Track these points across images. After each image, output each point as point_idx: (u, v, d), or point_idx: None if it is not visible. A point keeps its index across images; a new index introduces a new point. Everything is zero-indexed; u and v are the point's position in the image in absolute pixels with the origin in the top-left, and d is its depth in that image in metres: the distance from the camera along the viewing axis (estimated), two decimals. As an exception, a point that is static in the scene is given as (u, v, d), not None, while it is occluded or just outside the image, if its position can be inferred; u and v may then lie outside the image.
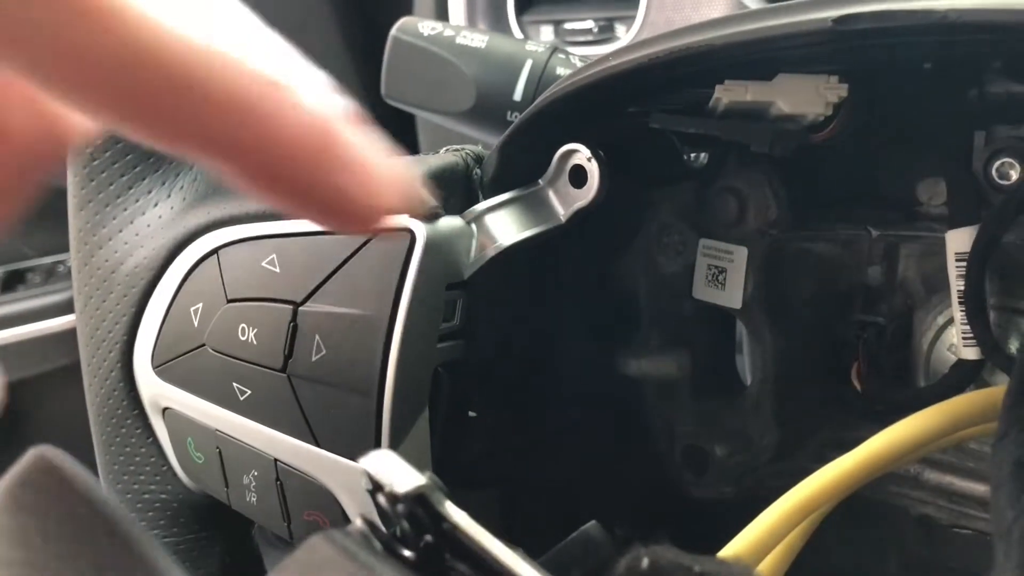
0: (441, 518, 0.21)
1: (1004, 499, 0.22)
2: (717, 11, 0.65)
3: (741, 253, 0.37)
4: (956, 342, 0.34)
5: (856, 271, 0.37)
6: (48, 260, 1.14)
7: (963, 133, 0.33)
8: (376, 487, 0.23)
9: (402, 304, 0.32)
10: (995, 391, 0.29)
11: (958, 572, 0.37)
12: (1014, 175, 0.32)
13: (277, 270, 0.35)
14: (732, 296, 0.37)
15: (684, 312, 0.38)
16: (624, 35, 0.71)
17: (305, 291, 0.33)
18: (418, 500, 0.22)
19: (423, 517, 0.21)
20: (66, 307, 1.08)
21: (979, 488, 0.35)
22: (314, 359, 0.33)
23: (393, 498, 0.22)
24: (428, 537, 0.21)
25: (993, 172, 0.33)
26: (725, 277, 0.37)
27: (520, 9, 0.75)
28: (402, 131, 0.69)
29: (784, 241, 0.36)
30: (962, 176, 0.33)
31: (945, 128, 0.33)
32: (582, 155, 0.34)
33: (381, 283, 0.32)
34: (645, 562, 0.22)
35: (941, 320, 0.36)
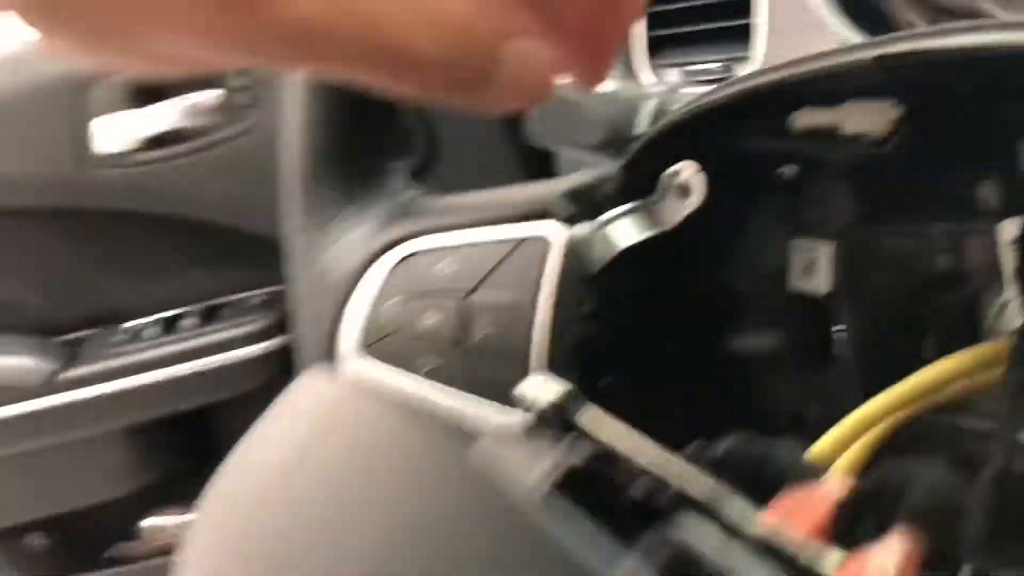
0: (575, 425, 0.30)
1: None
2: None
3: (827, 248, 0.44)
4: (1013, 318, 0.40)
5: (926, 262, 0.43)
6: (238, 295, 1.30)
7: (1009, 139, 0.40)
8: (527, 405, 0.32)
9: (543, 291, 0.41)
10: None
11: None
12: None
13: (451, 271, 0.45)
14: (820, 285, 0.44)
15: (781, 300, 0.46)
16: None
17: (471, 285, 0.43)
18: (558, 409, 0.31)
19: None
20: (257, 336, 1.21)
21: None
22: (478, 338, 0.43)
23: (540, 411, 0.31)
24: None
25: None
26: (814, 269, 0.45)
27: (651, 53, 0.84)
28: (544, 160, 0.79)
29: (863, 237, 0.44)
30: (1009, 175, 0.40)
31: (993, 136, 0.40)
32: (688, 171, 0.42)
33: (527, 277, 0.42)
34: (720, 447, 0.30)
35: (1000, 302, 0.42)
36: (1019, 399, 0.29)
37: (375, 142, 0.50)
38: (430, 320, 0.45)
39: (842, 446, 0.34)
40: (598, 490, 0.27)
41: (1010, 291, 0.40)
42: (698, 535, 0.21)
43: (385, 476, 0.20)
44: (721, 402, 0.47)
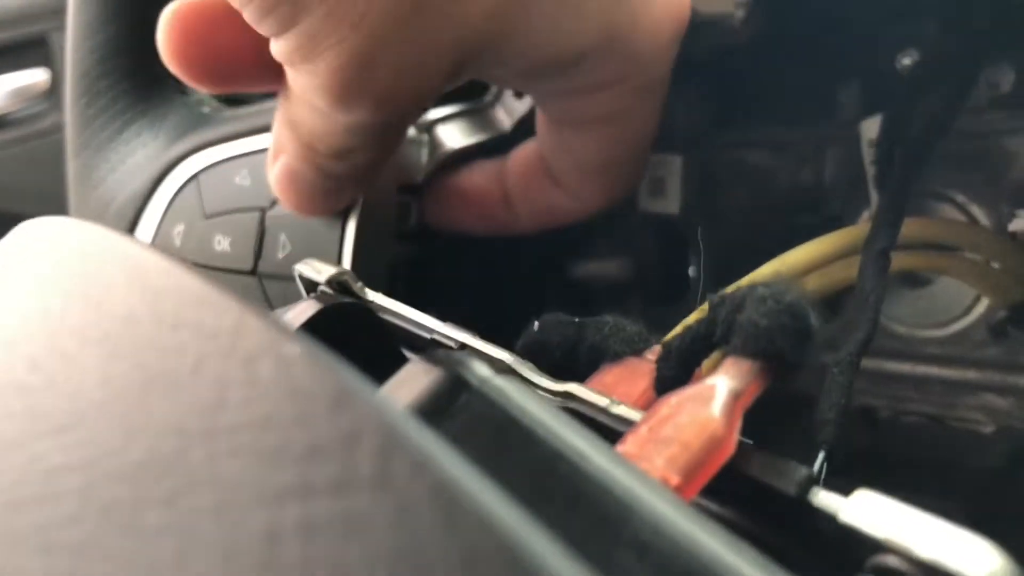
0: (359, 297, 0.24)
1: (867, 280, 0.25)
2: None
3: (676, 162, 0.39)
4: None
5: (785, 176, 0.39)
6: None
7: (870, 33, 0.36)
8: (308, 285, 0.25)
9: (355, 201, 0.35)
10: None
11: (902, 460, 0.38)
12: (908, 62, 0.35)
13: (248, 183, 0.38)
14: (670, 204, 0.40)
15: (631, 223, 0.41)
16: None
17: (272, 198, 0.37)
18: (340, 285, 0.24)
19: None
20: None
21: (909, 368, 0.37)
22: (280, 257, 0.36)
23: (321, 291, 0.25)
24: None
25: (896, 63, 0.36)
26: (664, 187, 0.40)
27: None
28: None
29: (714, 148, 0.39)
30: (871, 71, 0.36)
31: (855, 27, 0.36)
32: (520, 66, 0.37)
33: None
34: (535, 324, 0.24)
35: (865, 215, 0.38)
36: (881, 265, 0.25)
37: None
38: (224, 243, 0.38)
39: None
40: (360, 339, 0.21)
41: (874, 199, 0.36)
42: (464, 363, 0.15)
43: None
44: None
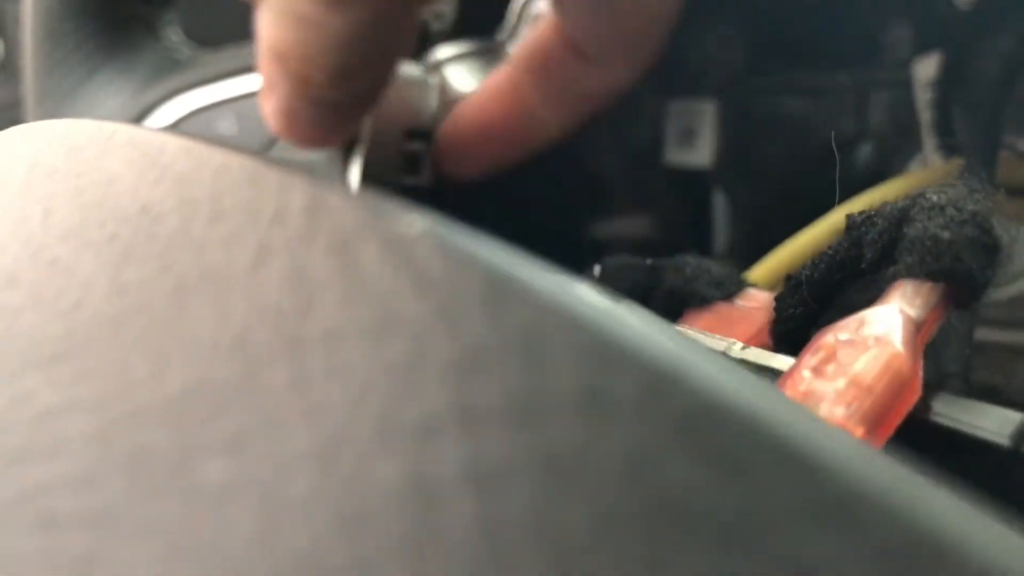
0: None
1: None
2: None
3: (708, 109, 0.36)
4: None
5: (827, 123, 0.36)
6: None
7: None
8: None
9: (356, 148, 0.31)
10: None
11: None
12: (972, -3, 0.32)
13: (235, 131, 0.34)
14: (702, 155, 0.36)
15: (655, 178, 0.38)
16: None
17: (266, 142, 0.33)
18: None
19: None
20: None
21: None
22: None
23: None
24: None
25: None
26: (694, 137, 0.36)
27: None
28: None
29: (751, 93, 0.36)
30: (924, 5, 0.33)
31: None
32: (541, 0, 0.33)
33: (339, 126, 0.31)
34: (596, 270, 0.21)
35: (913, 166, 0.35)
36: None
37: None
38: (208, 197, 0.34)
39: (772, 283, 0.25)
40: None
41: (928, 147, 0.33)
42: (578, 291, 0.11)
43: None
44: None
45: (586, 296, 0.07)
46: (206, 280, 0.09)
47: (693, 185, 0.37)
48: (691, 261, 0.20)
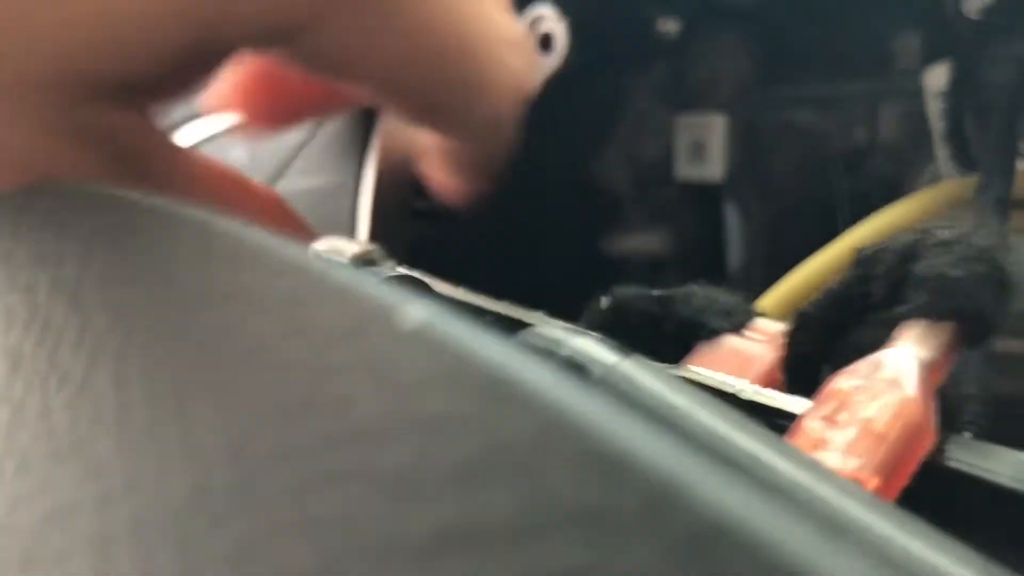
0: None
1: (991, 224, 0.21)
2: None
3: (719, 123, 0.36)
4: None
5: (838, 135, 0.36)
6: None
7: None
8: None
9: (365, 175, 0.31)
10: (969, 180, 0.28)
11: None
12: (982, 4, 0.32)
13: (246, 159, 0.34)
14: (713, 169, 0.36)
15: (668, 194, 0.37)
16: None
17: (274, 171, 0.33)
18: (367, 264, 0.21)
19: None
20: None
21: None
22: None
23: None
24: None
25: (961, 4, 0.32)
26: (705, 150, 0.36)
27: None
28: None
29: (761, 107, 0.36)
30: (933, 14, 0.32)
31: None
32: (550, 18, 0.33)
33: (347, 152, 0.32)
34: (604, 301, 0.20)
35: (928, 176, 0.35)
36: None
37: None
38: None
39: (783, 311, 0.25)
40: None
41: (941, 154, 0.32)
42: (579, 346, 0.11)
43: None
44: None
45: (589, 402, 0.06)
46: (202, 379, 0.09)
47: (705, 199, 0.37)
48: (699, 291, 0.19)
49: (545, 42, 0.34)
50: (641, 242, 0.38)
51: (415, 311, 0.08)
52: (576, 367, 0.12)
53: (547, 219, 0.37)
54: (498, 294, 0.36)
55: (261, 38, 0.19)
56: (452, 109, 0.24)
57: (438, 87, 0.23)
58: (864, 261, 0.15)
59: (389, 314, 0.08)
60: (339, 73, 0.21)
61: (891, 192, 0.36)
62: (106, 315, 0.10)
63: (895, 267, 0.14)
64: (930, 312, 0.13)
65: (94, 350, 0.10)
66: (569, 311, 0.32)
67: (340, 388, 0.08)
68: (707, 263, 0.38)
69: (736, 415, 0.12)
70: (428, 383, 0.07)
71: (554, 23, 0.33)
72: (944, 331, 0.13)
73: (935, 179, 0.34)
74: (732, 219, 0.37)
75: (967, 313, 0.13)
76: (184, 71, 0.19)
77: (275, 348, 0.08)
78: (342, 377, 0.08)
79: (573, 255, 0.37)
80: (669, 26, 0.36)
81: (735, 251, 0.38)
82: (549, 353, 0.12)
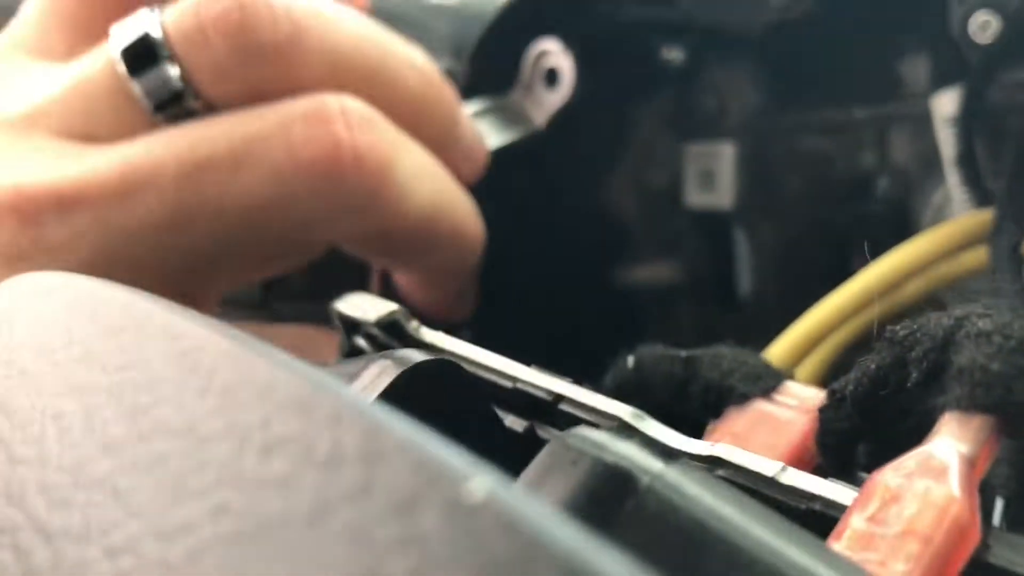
0: (416, 340, 0.20)
1: (1005, 278, 0.21)
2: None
3: (727, 151, 0.36)
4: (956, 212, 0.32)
5: (847, 160, 0.36)
6: None
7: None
8: (349, 326, 0.21)
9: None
10: (983, 213, 0.28)
11: None
12: (991, 30, 0.31)
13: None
14: (723, 196, 0.36)
15: (676, 223, 0.37)
16: None
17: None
18: (391, 326, 0.20)
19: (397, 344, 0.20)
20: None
21: None
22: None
23: (367, 332, 0.21)
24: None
25: (970, 30, 0.32)
26: (714, 179, 0.36)
27: None
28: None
29: (769, 133, 0.36)
30: (941, 39, 0.32)
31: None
32: (555, 52, 0.33)
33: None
34: (630, 361, 0.20)
35: (938, 200, 0.35)
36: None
37: None
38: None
39: (796, 356, 0.25)
40: (446, 402, 0.17)
41: (952, 180, 0.32)
42: (624, 451, 0.11)
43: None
44: (605, 349, 0.38)
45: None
46: (264, 529, 0.09)
47: (715, 227, 0.37)
48: (727, 353, 0.19)
49: (551, 77, 0.33)
50: (651, 271, 0.38)
51: (481, 482, 0.08)
52: (621, 473, 0.12)
53: (557, 251, 0.37)
54: (509, 326, 0.37)
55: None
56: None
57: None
58: (899, 341, 0.15)
59: (456, 484, 0.08)
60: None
61: (901, 217, 0.36)
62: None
63: (932, 351, 0.14)
64: (969, 405, 0.13)
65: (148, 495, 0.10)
66: (581, 342, 0.32)
67: (407, 556, 0.08)
68: (717, 291, 0.38)
69: (785, 524, 0.11)
70: (497, 563, 0.07)
71: (560, 57, 0.33)
72: (984, 424, 0.13)
73: (945, 203, 0.34)
74: (742, 246, 0.37)
75: (1007, 406, 0.13)
76: None
77: (339, 507, 0.08)
78: (410, 545, 0.08)
79: (583, 285, 0.37)
80: (675, 55, 0.36)
81: (745, 278, 0.38)
82: (593, 459, 0.12)
